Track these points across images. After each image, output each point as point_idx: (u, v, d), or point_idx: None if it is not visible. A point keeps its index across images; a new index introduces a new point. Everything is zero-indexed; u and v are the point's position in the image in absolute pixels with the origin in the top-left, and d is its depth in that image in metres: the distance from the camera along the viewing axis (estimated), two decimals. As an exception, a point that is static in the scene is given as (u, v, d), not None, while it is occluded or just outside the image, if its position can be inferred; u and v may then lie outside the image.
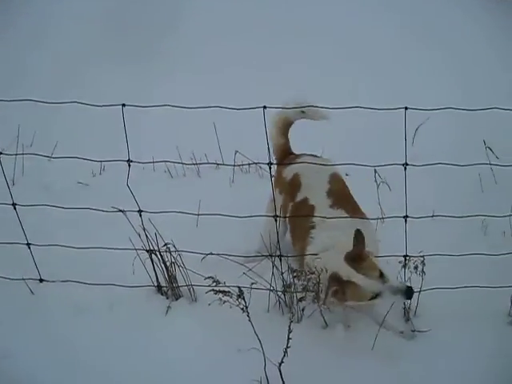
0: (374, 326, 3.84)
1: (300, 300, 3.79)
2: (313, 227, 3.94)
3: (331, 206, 4.03)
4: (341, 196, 4.14)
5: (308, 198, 4.14)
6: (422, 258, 3.72)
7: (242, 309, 3.47)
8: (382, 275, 3.61)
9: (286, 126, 4.51)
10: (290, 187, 4.26)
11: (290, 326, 3.43)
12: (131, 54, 7.23)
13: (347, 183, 4.31)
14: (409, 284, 3.68)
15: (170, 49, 7.47)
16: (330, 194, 4.12)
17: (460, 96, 5.20)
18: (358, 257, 3.63)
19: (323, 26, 7.69)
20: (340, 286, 3.61)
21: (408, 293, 3.60)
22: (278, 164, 4.43)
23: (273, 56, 7.17)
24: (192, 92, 5.83)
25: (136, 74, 6.93)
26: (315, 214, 3.96)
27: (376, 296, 3.62)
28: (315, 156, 4.46)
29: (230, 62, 7.10)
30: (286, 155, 4.51)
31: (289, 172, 4.34)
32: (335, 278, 3.63)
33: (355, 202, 4.18)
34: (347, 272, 3.62)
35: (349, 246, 3.65)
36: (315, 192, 4.15)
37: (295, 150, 4.57)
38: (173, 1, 8.50)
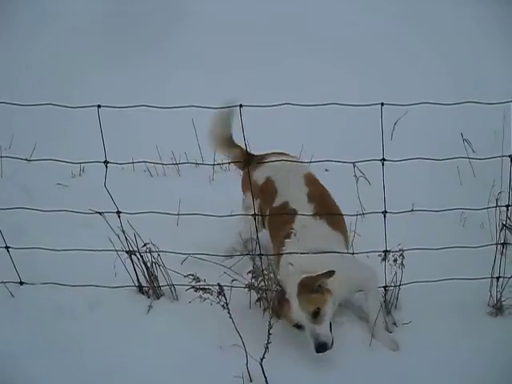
0: (355, 320, 3.89)
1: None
2: (288, 236, 3.93)
3: (314, 216, 3.96)
4: (322, 202, 4.08)
5: (288, 202, 4.09)
6: (401, 251, 3.73)
7: (223, 306, 3.48)
8: (317, 313, 3.59)
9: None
10: (264, 191, 4.21)
11: (270, 322, 3.45)
12: (131, 54, 7.24)
13: (326, 179, 4.32)
14: (325, 340, 3.56)
15: (170, 48, 7.47)
16: (310, 197, 4.09)
17: (453, 93, 5.19)
18: (309, 285, 3.63)
19: (322, 26, 7.73)
20: (282, 301, 3.65)
21: (318, 348, 3.55)
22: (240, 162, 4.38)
23: (272, 56, 7.19)
24: (189, 92, 5.83)
25: (135, 73, 6.96)
26: (296, 218, 3.95)
27: (299, 327, 3.64)
28: (284, 154, 4.40)
29: (230, 61, 7.12)
30: (226, 145, 4.45)
31: (259, 175, 4.28)
32: (281, 292, 3.69)
33: (334, 205, 4.15)
34: (290, 291, 3.65)
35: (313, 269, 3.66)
36: (294, 195, 4.11)
37: (276, 146, 4.54)
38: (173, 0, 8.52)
